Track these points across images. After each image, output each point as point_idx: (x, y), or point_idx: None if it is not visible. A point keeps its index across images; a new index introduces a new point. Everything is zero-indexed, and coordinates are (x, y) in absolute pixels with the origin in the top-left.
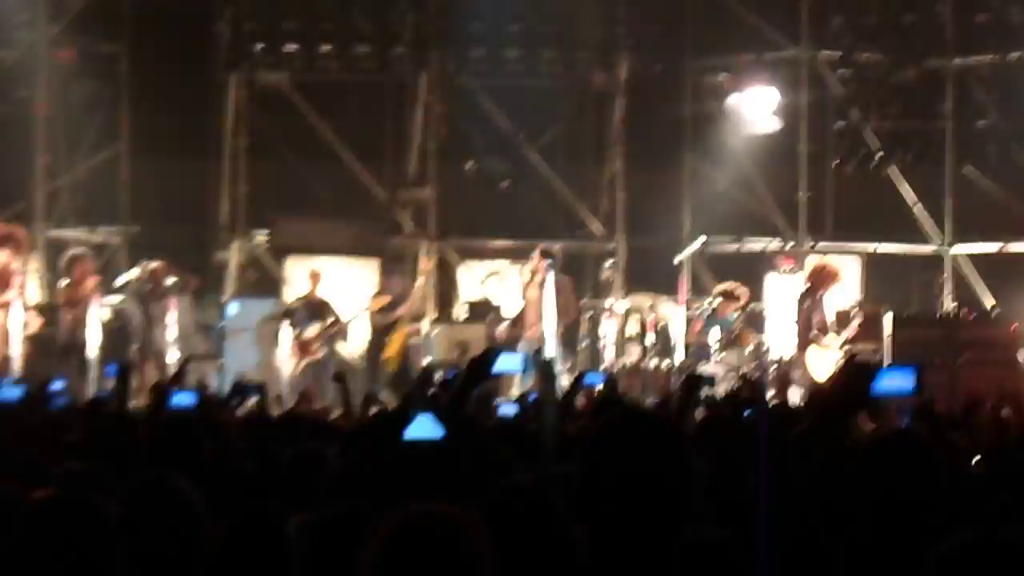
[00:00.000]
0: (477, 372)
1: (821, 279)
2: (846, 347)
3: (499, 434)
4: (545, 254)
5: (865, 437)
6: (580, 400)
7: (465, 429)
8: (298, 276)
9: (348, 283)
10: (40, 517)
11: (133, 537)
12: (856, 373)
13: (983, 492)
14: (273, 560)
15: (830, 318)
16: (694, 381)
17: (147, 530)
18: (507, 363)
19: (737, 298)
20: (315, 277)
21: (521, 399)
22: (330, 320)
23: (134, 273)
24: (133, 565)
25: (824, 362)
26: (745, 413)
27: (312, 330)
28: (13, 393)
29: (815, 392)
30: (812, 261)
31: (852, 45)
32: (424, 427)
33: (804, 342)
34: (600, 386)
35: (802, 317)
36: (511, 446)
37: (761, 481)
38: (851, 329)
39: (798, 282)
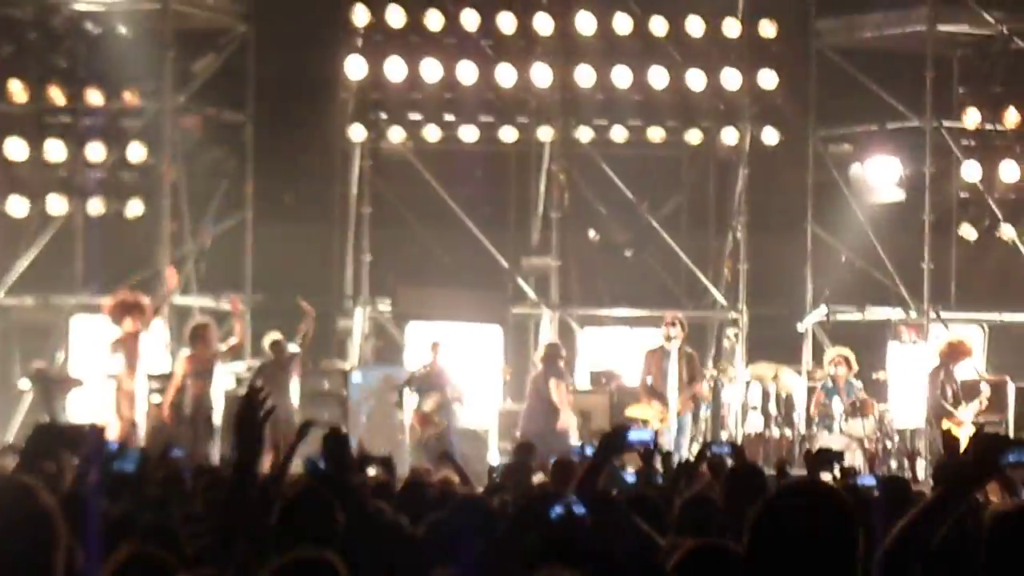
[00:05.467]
0: (610, 447)
1: (953, 353)
2: (978, 419)
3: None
4: (677, 323)
5: (994, 509)
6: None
7: (605, 505)
8: (419, 344)
9: (470, 349)
10: None
11: None
12: (987, 443)
13: None
14: None
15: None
16: (822, 457)
17: None
18: (639, 436)
19: (850, 365)
20: (435, 348)
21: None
22: (446, 390)
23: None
24: None
25: (958, 436)
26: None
27: (430, 402)
28: (129, 464)
29: (943, 463)
30: (942, 335)
31: (976, 114)
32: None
33: (939, 416)
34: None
35: (934, 391)
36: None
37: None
38: (982, 401)
39: (924, 353)
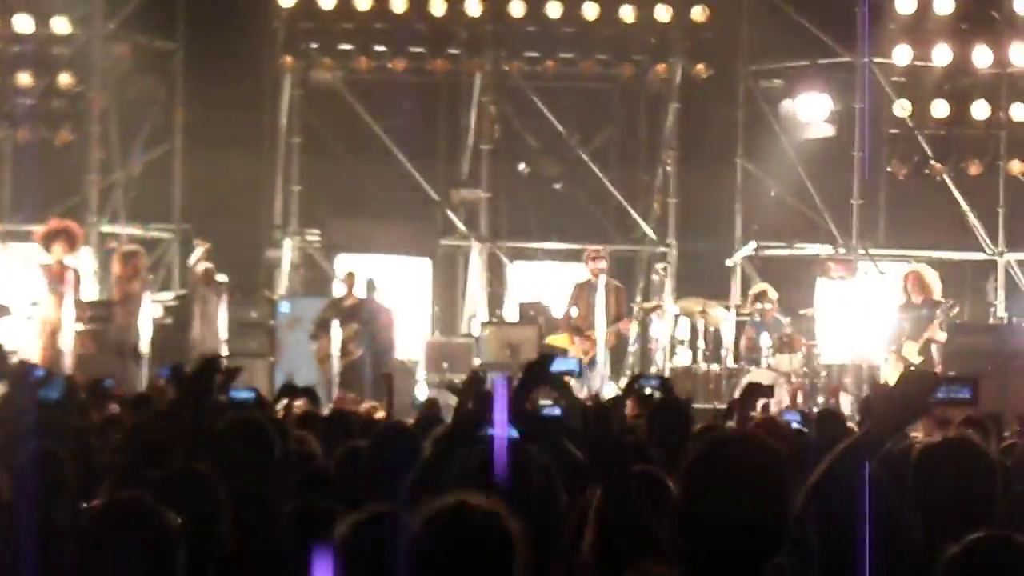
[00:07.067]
0: (533, 376)
1: (919, 287)
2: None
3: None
4: (600, 256)
5: (922, 443)
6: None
7: (538, 425)
8: (337, 277)
9: (398, 282)
10: (101, 523)
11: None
12: (916, 380)
13: None
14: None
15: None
16: (753, 390)
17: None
18: (563, 365)
19: (769, 299)
20: (351, 278)
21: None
22: (360, 322)
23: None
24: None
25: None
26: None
27: (346, 331)
28: (53, 392)
29: (869, 400)
30: (902, 268)
31: (907, 51)
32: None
33: (891, 351)
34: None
35: (897, 325)
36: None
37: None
38: (932, 330)
39: (852, 290)
